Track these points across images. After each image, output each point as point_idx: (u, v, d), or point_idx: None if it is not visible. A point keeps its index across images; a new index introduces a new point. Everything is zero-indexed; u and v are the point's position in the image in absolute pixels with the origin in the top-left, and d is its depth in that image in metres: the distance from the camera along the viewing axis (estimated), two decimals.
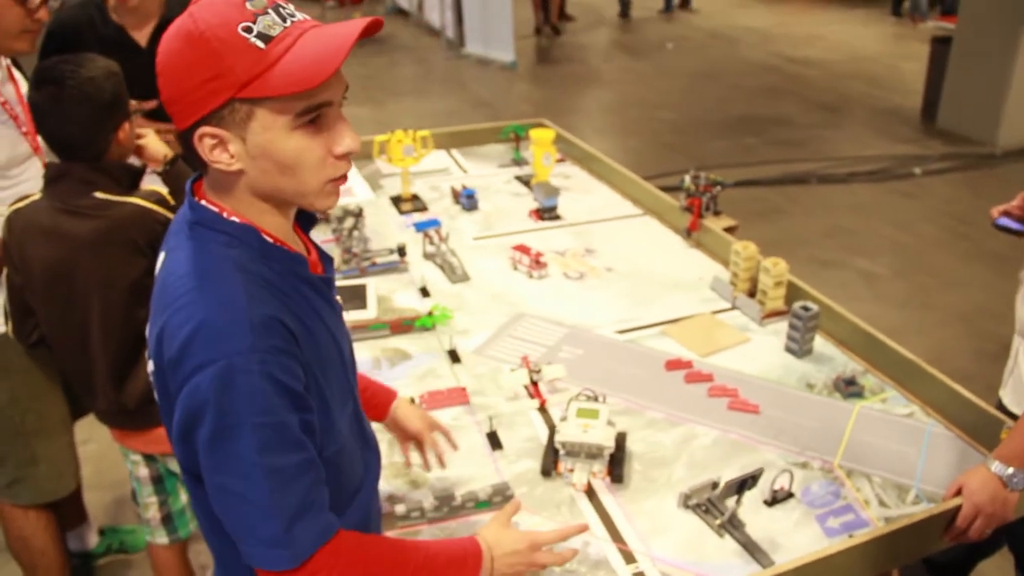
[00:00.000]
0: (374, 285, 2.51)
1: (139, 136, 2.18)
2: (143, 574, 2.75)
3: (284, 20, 1.09)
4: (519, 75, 9.45)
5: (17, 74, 2.24)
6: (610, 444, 1.74)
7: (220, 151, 1.10)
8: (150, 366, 1.18)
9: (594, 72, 9.66)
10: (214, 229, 1.15)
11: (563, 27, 11.69)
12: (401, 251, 2.66)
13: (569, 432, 1.75)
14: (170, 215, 1.95)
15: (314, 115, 1.10)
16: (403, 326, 2.29)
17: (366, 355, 2.19)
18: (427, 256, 2.70)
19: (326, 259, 1.33)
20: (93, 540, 2.81)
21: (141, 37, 2.77)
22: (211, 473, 1.08)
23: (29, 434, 2.25)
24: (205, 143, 1.09)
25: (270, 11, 1.08)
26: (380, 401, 1.67)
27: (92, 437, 3.00)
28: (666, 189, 3.17)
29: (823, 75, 9.42)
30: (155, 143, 2.22)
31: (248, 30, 1.05)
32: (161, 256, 1.22)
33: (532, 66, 9.97)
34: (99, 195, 1.93)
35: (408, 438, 1.71)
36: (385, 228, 2.91)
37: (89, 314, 1.96)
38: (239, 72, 1.05)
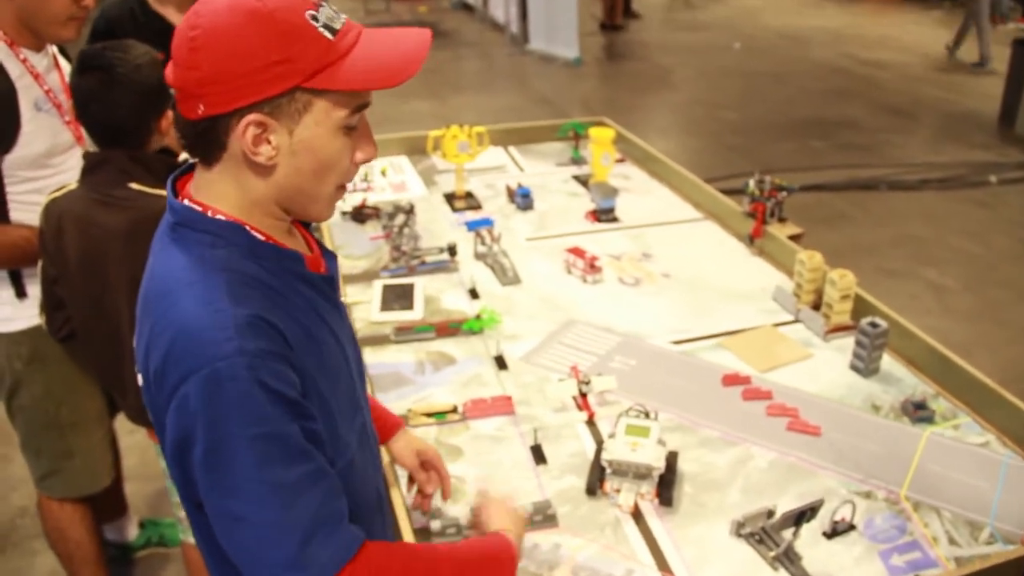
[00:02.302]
0: (422, 285, 2.44)
1: None
2: (181, 569, 2.73)
3: (338, 15, 1.06)
4: (582, 72, 9.34)
5: (63, 62, 2.20)
6: (660, 465, 1.65)
7: (262, 142, 1.03)
8: (139, 380, 1.11)
9: (658, 71, 9.51)
10: (197, 229, 1.08)
11: (628, 24, 11.54)
12: (451, 250, 2.59)
13: (617, 450, 1.65)
14: None
15: (358, 116, 1.08)
16: (449, 329, 2.21)
17: (409, 357, 2.12)
18: (478, 256, 2.62)
19: (329, 256, 1.26)
20: (133, 532, 2.79)
21: (178, 18, 2.75)
22: (210, 497, 1.00)
23: (64, 427, 2.22)
24: (249, 132, 1.02)
25: (326, 4, 1.04)
26: (381, 427, 1.55)
27: (138, 428, 2.97)
28: (728, 192, 3.06)
29: (895, 77, 9.16)
30: None
31: (314, 18, 1.01)
32: (151, 252, 1.16)
33: (596, 63, 9.85)
34: (134, 186, 1.88)
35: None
36: (436, 226, 2.84)
37: (120, 308, 1.92)
38: (309, 60, 1.00)
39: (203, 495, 1.00)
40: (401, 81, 1.04)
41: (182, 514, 2.20)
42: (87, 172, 1.92)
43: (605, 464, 1.67)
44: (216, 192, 1.09)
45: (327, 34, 1.02)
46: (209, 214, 1.08)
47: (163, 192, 1.87)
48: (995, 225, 5.47)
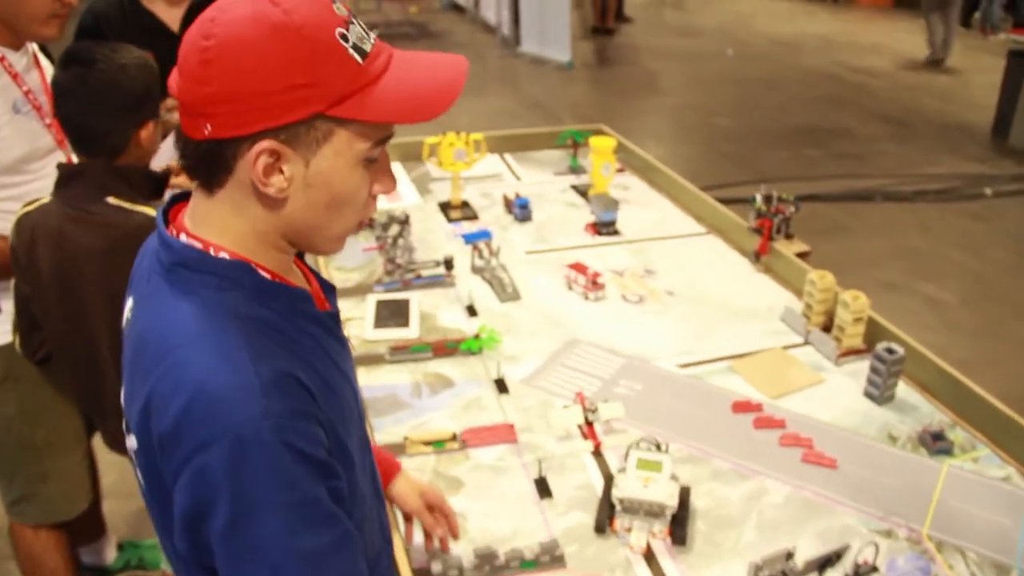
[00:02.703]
0: (417, 300, 2.34)
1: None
2: None
3: (368, 35, 0.94)
4: (574, 76, 9.26)
5: (44, 61, 2.10)
6: (673, 503, 1.55)
7: (275, 173, 0.92)
8: (131, 442, 0.99)
9: (651, 76, 9.44)
10: (199, 270, 0.96)
11: (619, 28, 11.47)
12: (448, 264, 2.49)
13: (628, 487, 1.56)
14: None
15: (381, 148, 0.97)
16: (447, 348, 2.11)
17: (405, 379, 2.02)
18: (475, 270, 2.52)
19: (329, 290, 1.16)
20: (111, 555, 2.67)
21: (172, 20, 2.64)
22: (231, 565, 0.90)
23: (39, 449, 2.10)
24: (261, 161, 0.90)
25: (355, 21, 0.93)
26: (380, 472, 1.44)
27: None
28: (725, 202, 2.97)
29: (887, 86, 9.12)
30: None
31: (344, 38, 0.90)
32: (128, 304, 1.05)
33: (587, 67, 9.76)
34: (112, 201, 1.76)
35: (408, 515, 1.52)
36: (432, 237, 2.74)
37: (98, 330, 1.81)
38: (336, 85, 0.90)
39: (222, 565, 0.90)
40: (434, 115, 0.93)
41: None
42: (61, 184, 1.80)
43: (615, 501, 1.58)
44: (216, 222, 0.98)
45: (357, 57, 0.91)
46: (212, 252, 0.97)
47: (144, 209, 1.78)
48: (991, 238, 5.42)
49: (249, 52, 0.87)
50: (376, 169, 0.99)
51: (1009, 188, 6.21)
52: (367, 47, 0.92)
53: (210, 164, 0.94)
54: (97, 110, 1.74)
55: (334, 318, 1.09)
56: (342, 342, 1.11)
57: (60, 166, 1.82)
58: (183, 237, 0.98)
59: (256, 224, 0.97)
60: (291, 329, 0.97)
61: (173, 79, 0.93)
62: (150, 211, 1.77)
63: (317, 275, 1.16)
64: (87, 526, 2.53)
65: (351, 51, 0.90)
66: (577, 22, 10.11)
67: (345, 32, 0.90)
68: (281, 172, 0.92)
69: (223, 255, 0.96)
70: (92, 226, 1.75)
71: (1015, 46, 8.03)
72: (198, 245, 0.97)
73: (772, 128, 7.54)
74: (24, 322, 1.91)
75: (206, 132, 0.91)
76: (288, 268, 1.05)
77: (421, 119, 0.93)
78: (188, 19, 2.63)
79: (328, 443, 0.94)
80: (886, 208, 5.88)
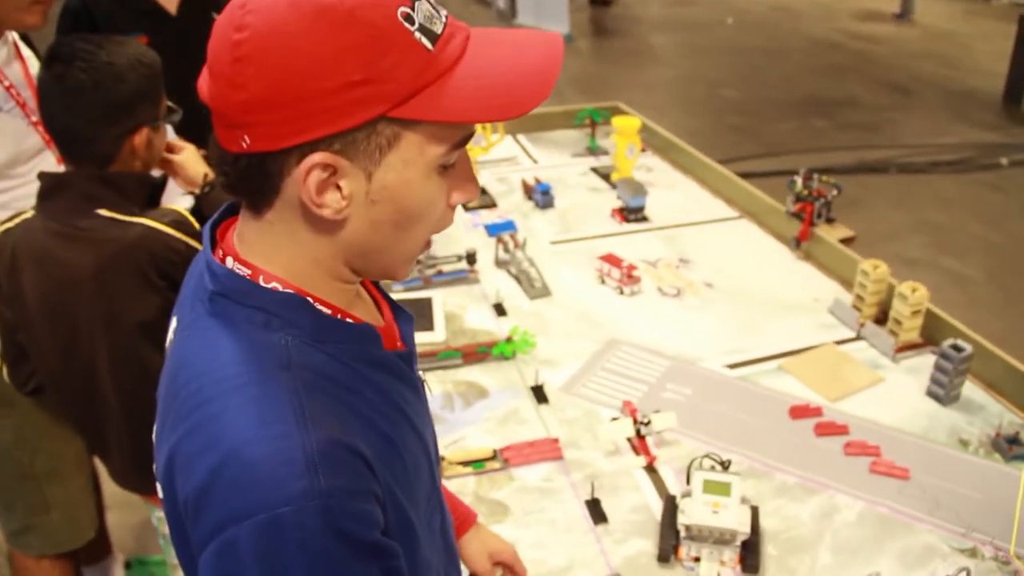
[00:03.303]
0: (440, 299, 2.18)
1: (173, 150, 1.81)
2: None
3: (439, 12, 0.76)
4: (573, 48, 9.03)
5: (27, 52, 1.91)
6: (746, 530, 1.41)
7: (331, 191, 0.75)
8: (158, 489, 0.83)
9: (651, 47, 9.22)
10: (245, 304, 0.79)
11: None
12: (471, 258, 2.32)
13: (696, 513, 1.42)
14: (191, 241, 1.58)
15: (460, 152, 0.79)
16: (478, 354, 1.96)
17: (435, 389, 1.87)
18: (500, 264, 2.36)
19: (404, 320, 0.97)
20: (118, 574, 2.52)
21: (168, 3, 2.44)
22: None
23: (40, 477, 1.94)
24: (312, 177, 0.73)
25: None
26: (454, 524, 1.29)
27: None
28: (743, 176, 2.82)
29: (891, 53, 8.91)
30: (194, 161, 1.82)
31: (409, 19, 0.72)
32: (172, 325, 0.88)
33: (586, 39, 9.54)
34: (103, 213, 1.55)
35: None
36: (451, 228, 2.55)
37: (95, 358, 1.61)
38: (402, 79, 0.72)
39: None
40: (524, 111, 0.75)
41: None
42: (44, 196, 1.59)
43: (680, 528, 1.43)
44: (266, 248, 0.81)
45: (426, 42, 0.73)
46: (261, 281, 0.80)
47: (136, 219, 1.55)
48: (1012, 210, 5.26)
49: (291, 44, 0.70)
50: (454, 174, 0.81)
51: None
52: (438, 28, 0.75)
53: (253, 183, 0.77)
54: (78, 115, 1.53)
55: (407, 358, 0.91)
56: (415, 386, 0.93)
57: (42, 175, 1.60)
58: (230, 261, 0.82)
59: (312, 251, 0.80)
60: (352, 378, 0.81)
61: (203, 81, 0.76)
62: (148, 221, 1.57)
63: (389, 299, 0.98)
64: (92, 545, 2.36)
65: (418, 35, 0.72)
66: None
67: (410, 11, 0.72)
68: (338, 189, 0.75)
69: (275, 286, 0.80)
70: (82, 243, 1.55)
71: None
72: (246, 272, 0.80)
73: (778, 98, 7.35)
74: (11, 351, 1.72)
75: (244, 145, 0.74)
76: (352, 300, 0.87)
77: (508, 116, 0.76)
78: (186, 2, 2.44)
79: (386, 520, 0.78)
80: (901, 180, 5.72)
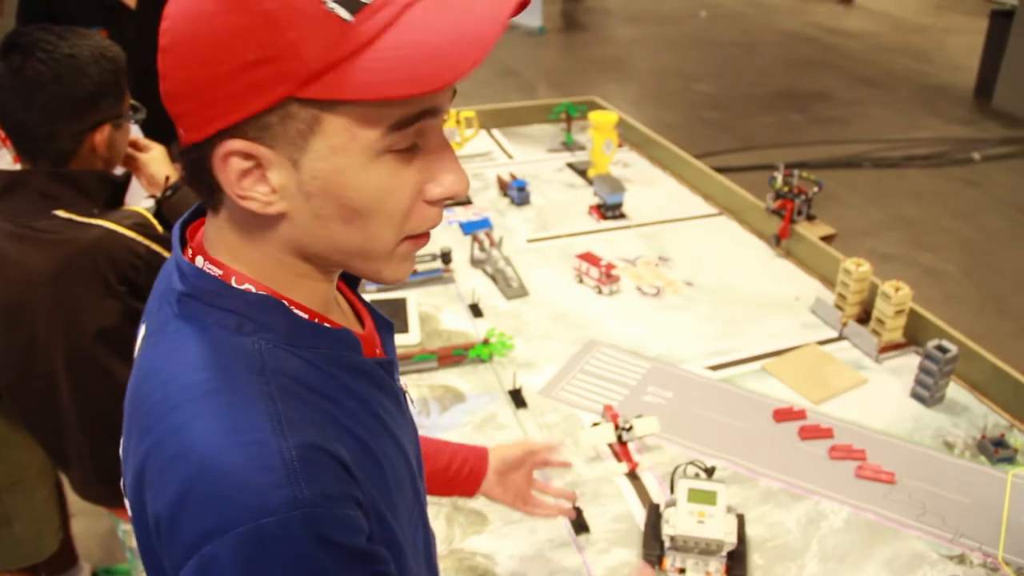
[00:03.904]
0: (415, 300, 2.13)
1: (140, 148, 1.74)
2: None
3: None
4: (546, 40, 8.99)
5: None
6: (732, 540, 1.36)
7: (254, 181, 0.69)
8: (127, 505, 0.77)
9: (624, 40, 9.20)
10: (216, 305, 0.73)
11: None
12: (446, 257, 2.27)
13: (681, 523, 1.37)
14: (153, 245, 1.51)
15: (412, 131, 0.70)
16: (453, 356, 1.90)
17: (411, 393, 1.80)
18: (475, 263, 2.31)
19: (384, 327, 0.91)
20: None
21: None
22: None
23: (0, 489, 1.87)
24: (232, 166, 0.68)
25: None
26: (474, 467, 1.30)
27: None
28: (719, 170, 2.79)
29: (864, 47, 8.94)
30: (159, 162, 1.75)
31: None
32: (140, 332, 0.82)
33: (559, 32, 9.49)
34: (61, 214, 1.47)
35: (518, 490, 1.35)
36: None
37: (55, 366, 1.53)
38: (307, 55, 0.64)
39: None
40: (447, 82, 0.64)
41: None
42: None
43: (666, 538, 1.39)
44: (229, 247, 0.76)
45: (343, 13, 0.65)
46: (233, 282, 0.74)
47: (96, 221, 1.47)
48: (985, 205, 5.28)
49: (196, 30, 0.66)
50: (429, 164, 0.73)
51: (998, 152, 6.07)
52: None
53: (196, 177, 0.73)
54: (34, 111, 1.44)
55: (387, 367, 0.85)
56: (396, 397, 0.87)
57: None
58: (200, 260, 0.76)
59: (265, 248, 0.74)
60: (329, 385, 0.75)
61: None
62: (108, 223, 1.49)
63: (370, 307, 0.92)
64: (57, 555, 2.28)
65: (332, 6, 0.65)
66: None
67: None
68: (266, 181, 0.70)
69: (248, 287, 0.74)
70: (39, 246, 1.47)
71: (997, 6, 7.87)
72: (218, 272, 0.75)
73: (753, 93, 7.34)
74: None
75: (182, 138, 0.71)
76: (328, 302, 0.81)
77: (429, 88, 0.65)
78: None
79: (370, 527, 0.73)
80: (875, 174, 5.73)
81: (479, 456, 1.31)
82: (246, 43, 0.64)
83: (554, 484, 1.49)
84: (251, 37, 0.64)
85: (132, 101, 1.58)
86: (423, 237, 0.78)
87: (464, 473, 1.28)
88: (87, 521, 2.63)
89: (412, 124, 0.70)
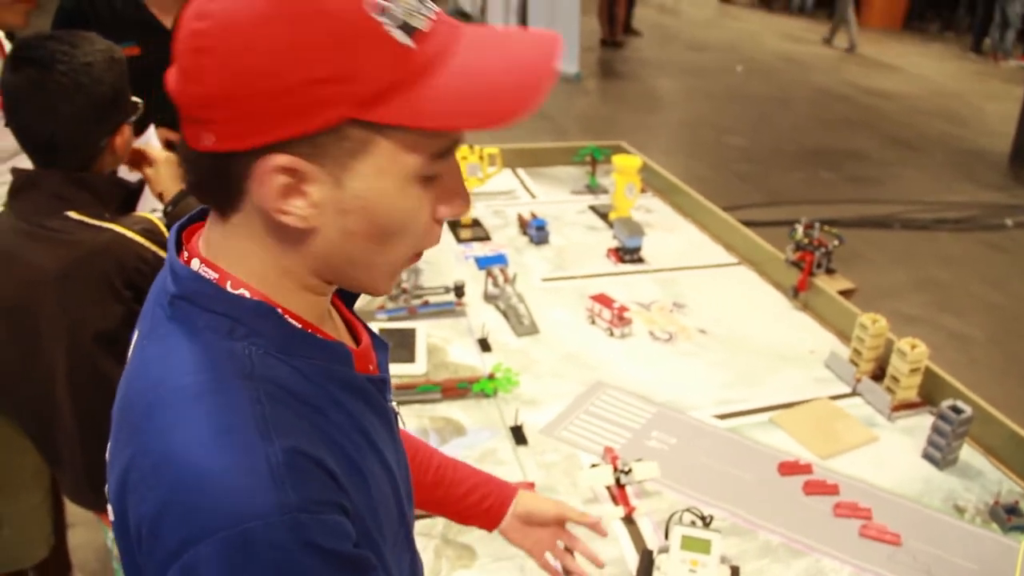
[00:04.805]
0: (424, 331, 2.11)
1: (145, 160, 1.76)
2: None
3: (423, 6, 0.69)
4: (582, 88, 9.05)
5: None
6: None
7: (295, 196, 0.69)
8: (109, 511, 0.76)
9: (660, 90, 9.24)
10: (208, 308, 0.73)
11: (628, 41, 11.28)
12: (459, 291, 2.25)
13: (673, 571, 1.34)
14: (160, 252, 1.52)
15: (442, 160, 0.72)
16: (458, 390, 1.89)
17: (410, 423, 1.79)
18: (488, 298, 2.29)
19: (380, 347, 0.90)
20: None
21: (164, 15, 2.41)
22: None
23: None
24: (275, 180, 0.67)
25: None
26: (492, 505, 1.25)
27: None
28: (746, 224, 2.77)
29: (900, 109, 8.93)
30: (167, 176, 1.77)
31: (381, 11, 0.65)
32: (133, 338, 0.81)
33: (595, 79, 9.56)
34: (73, 215, 1.50)
35: (538, 542, 1.29)
36: (440, 258, 2.51)
37: (55, 365, 1.55)
38: (371, 77, 0.65)
39: None
40: (511, 120, 0.67)
41: None
42: (14, 194, 1.54)
43: None
44: (234, 253, 0.75)
45: (402, 37, 0.66)
46: (229, 287, 0.73)
47: (107, 225, 1.48)
48: (1015, 271, 5.21)
49: (250, 37, 0.64)
50: (441, 187, 0.74)
51: None
52: (419, 23, 0.67)
53: (216, 184, 0.71)
54: (59, 121, 1.47)
55: (379, 384, 0.84)
56: (386, 415, 0.86)
57: (15, 171, 1.55)
58: (196, 263, 0.75)
59: (279, 258, 0.74)
60: (318, 397, 0.74)
61: (171, 75, 0.70)
62: (118, 228, 1.52)
63: (368, 327, 0.92)
64: (50, 564, 2.27)
65: (393, 31, 0.65)
66: (585, 33, 9.88)
67: (385, 4, 0.65)
68: (304, 196, 0.69)
69: (243, 292, 0.73)
70: (48, 244, 1.50)
71: None
72: (212, 276, 0.74)
73: (786, 149, 7.33)
74: None
75: (207, 144, 0.68)
76: (323, 314, 0.81)
77: (491, 125, 0.67)
78: None
79: (356, 536, 0.71)
80: (904, 236, 5.67)
81: (503, 495, 1.26)
82: (313, 59, 0.64)
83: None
84: (319, 54, 0.64)
85: (133, 99, 1.61)
86: (419, 255, 0.79)
87: (483, 507, 1.24)
88: (85, 533, 2.62)
89: (448, 154, 0.72)
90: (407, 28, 0.66)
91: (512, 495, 1.26)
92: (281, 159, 0.67)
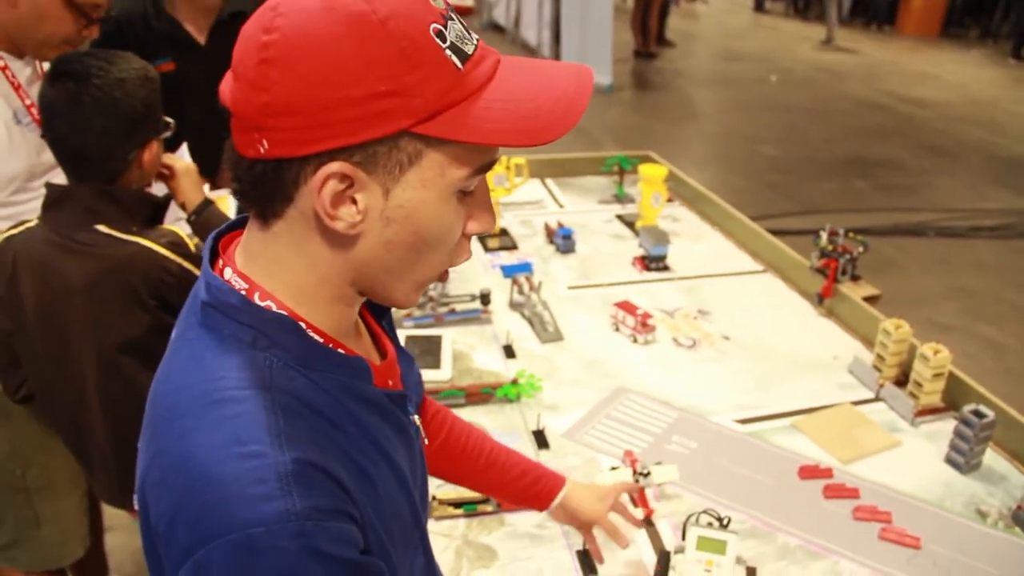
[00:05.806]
0: (450, 337, 2.15)
1: (171, 174, 1.82)
2: None
3: (470, 34, 0.76)
4: (614, 99, 9.07)
5: None
6: None
7: (345, 203, 0.73)
8: (134, 501, 0.81)
9: (693, 101, 9.24)
10: (233, 318, 0.77)
11: (661, 52, 11.28)
12: (485, 298, 2.29)
13: (689, 571, 1.36)
14: (185, 264, 1.59)
15: (480, 176, 0.79)
16: (482, 395, 1.92)
17: (423, 430, 1.82)
18: (514, 306, 2.33)
19: (405, 361, 0.95)
20: None
21: (198, 33, 2.48)
22: None
23: (31, 491, 1.92)
24: (330, 187, 0.72)
25: (454, 16, 0.74)
26: (543, 489, 1.34)
27: None
28: (775, 233, 2.78)
29: (936, 117, 8.84)
30: (189, 186, 1.83)
31: (441, 36, 0.71)
32: (172, 337, 0.86)
33: (628, 90, 9.58)
34: (102, 229, 1.56)
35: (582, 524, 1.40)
36: (467, 267, 2.54)
37: (85, 372, 1.61)
38: (430, 95, 0.71)
39: None
40: (552, 138, 0.74)
41: None
42: (48, 207, 1.60)
43: None
44: (270, 261, 0.79)
45: (456, 60, 0.72)
46: (256, 299, 0.78)
47: (133, 238, 1.55)
48: None
49: (320, 50, 0.69)
50: (472, 203, 0.80)
51: None
52: (468, 49, 0.74)
53: (266, 189, 0.75)
54: (93, 133, 1.53)
55: (397, 399, 0.88)
56: (404, 429, 0.89)
57: (48, 185, 1.62)
58: (228, 272, 0.80)
59: (319, 266, 0.78)
60: (334, 410, 0.78)
61: (225, 84, 0.75)
62: (144, 241, 1.58)
63: (395, 340, 0.96)
64: (87, 566, 2.33)
65: (449, 53, 0.72)
66: (617, 44, 9.91)
67: (442, 29, 0.72)
68: (354, 202, 0.73)
69: (269, 304, 0.78)
70: (78, 257, 1.56)
71: None
72: (243, 287, 0.78)
73: (819, 158, 7.30)
74: (3, 358, 1.72)
75: (261, 150, 0.72)
76: (348, 329, 0.85)
77: (534, 142, 0.74)
78: (216, 32, 2.48)
79: (367, 546, 0.75)
80: (938, 244, 5.62)
81: (554, 482, 1.35)
82: (378, 73, 0.69)
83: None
84: (384, 69, 0.69)
85: (164, 118, 1.67)
86: (446, 275, 0.84)
87: (535, 490, 1.34)
88: (122, 536, 2.68)
89: (488, 169, 0.78)
90: (460, 53, 0.72)
91: (561, 484, 1.35)
92: (339, 166, 0.71)
